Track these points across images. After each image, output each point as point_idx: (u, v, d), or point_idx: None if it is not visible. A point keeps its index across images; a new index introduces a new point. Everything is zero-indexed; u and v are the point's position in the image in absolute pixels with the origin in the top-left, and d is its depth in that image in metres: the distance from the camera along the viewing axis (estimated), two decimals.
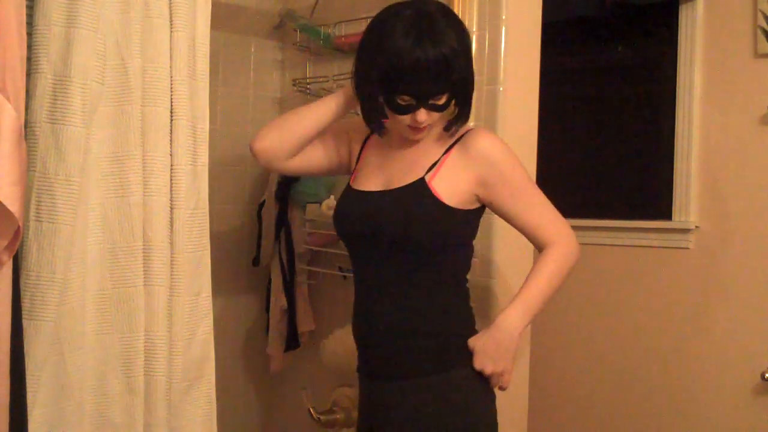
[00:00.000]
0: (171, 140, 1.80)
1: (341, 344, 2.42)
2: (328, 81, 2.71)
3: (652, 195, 2.93)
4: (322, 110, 1.87)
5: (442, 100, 1.67)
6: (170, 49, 1.79)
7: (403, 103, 1.65)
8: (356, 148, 1.93)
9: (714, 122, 2.73)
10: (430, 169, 1.74)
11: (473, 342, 1.75)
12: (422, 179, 1.73)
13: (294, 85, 2.89)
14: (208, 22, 1.87)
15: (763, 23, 2.57)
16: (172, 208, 1.81)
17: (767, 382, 2.55)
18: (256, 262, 2.92)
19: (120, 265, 1.74)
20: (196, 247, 1.85)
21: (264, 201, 2.89)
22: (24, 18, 1.52)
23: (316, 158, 1.94)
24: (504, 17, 2.24)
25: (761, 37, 2.58)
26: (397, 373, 1.75)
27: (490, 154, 1.74)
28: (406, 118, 1.68)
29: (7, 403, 1.48)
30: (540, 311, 1.77)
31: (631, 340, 2.90)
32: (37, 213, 1.61)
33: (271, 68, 3.06)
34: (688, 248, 2.77)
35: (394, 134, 1.81)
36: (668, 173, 2.83)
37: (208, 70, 1.87)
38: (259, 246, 2.90)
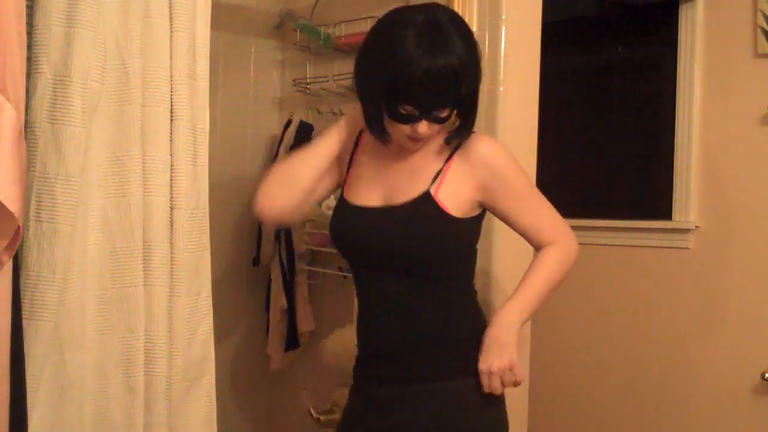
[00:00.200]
0: (171, 140, 1.80)
1: (341, 344, 2.42)
2: (328, 81, 2.71)
3: (652, 195, 2.93)
4: (324, 151, 1.77)
5: (445, 113, 1.62)
6: (170, 49, 1.79)
7: (404, 113, 1.59)
8: (346, 154, 1.82)
9: (714, 122, 2.72)
10: (434, 179, 1.68)
11: None
12: (428, 193, 1.67)
13: (294, 85, 2.89)
14: (208, 22, 1.87)
15: (763, 23, 2.57)
16: (172, 208, 1.81)
17: (767, 382, 2.55)
18: (256, 262, 2.92)
19: (120, 265, 1.74)
20: (196, 247, 1.84)
21: None
22: (24, 18, 1.52)
23: (323, 191, 1.85)
24: (504, 17, 2.24)
25: (761, 37, 2.58)
26: (414, 378, 1.72)
27: (492, 161, 1.70)
28: (406, 128, 1.62)
29: (7, 403, 1.48)
30: (537, 310, 1.76)
31: (630, 340, 2.90)
32: (37, 213, 1.61)
33: (271, 68, 3.06)
34: (688, 248, 2.77)
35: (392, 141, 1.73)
36: (668, 173, 2.83)
37: (208, 70, 1.87)
38: (259, 246, 2.90)
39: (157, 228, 1.77)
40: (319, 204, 2.66)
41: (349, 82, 2.63)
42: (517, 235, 2.09)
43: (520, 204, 1.74)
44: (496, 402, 1.73)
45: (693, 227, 2.74)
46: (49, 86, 1.62)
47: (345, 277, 2.68)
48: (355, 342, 1.86)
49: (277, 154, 2.87)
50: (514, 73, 2.27)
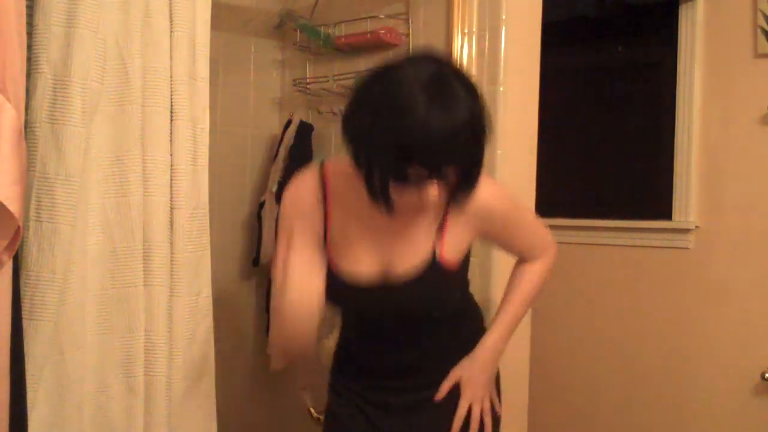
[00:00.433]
0: (171, 140, 1.80)
1: None
2: (328, 81, 2.71)
3: (652, 195, 2.93)
4: (308, 259, 1.54)
5: (456, 172, 1.43)
6: (170, 49, 1.79)
7: (414, 175, 1.38)
8: (318, 216, 1.58)
9: (714, 122, 2.72)
10: (435, 237, 1.56)
11: (459, 372, 1.67)
12: (434, 258, 1.56)
13: (294, 85, 2.89)
14: (208, 22, 1.87)
15: (763, 23, 2.57)
16: (172, 208, 1.81)
17: (767, 382, 2.55)
18: (256, 262, 2.92)
19: (120, 265, 1.74)
20: (196, 247, 1.85)
21: (264, 201, 2.89)
22: (24, 18, 1.52)
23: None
24: (504, 17, 2.23)
25: (761, 37, 2.58)
26: (425, 386, 1.69)
27: (493, 208, 1.61)
28: (412, 195, 1.42)
29: (7, 403, 1.48)
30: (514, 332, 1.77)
31: (630, 340, 2.90)
32: (37, 213, 1.62)
33: (271, 68, 3.06)
34: (688, 248, 2.77)
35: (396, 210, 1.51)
36: (668, 173, 2.83)
37: (208, 70, 1.87)
38: (259, 246, 2.89)
39: (157, 228, 1.77)
40: None
41: (349, 82, 2.63)
42: None
43: (515, 231, 1.72)
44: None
45: (693, 227, 2.74)
46: (49, 86, 1.62)
47: None
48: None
49: (277, 154, 2.87)
50: (514, 73, 2.27)
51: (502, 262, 2.26)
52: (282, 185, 2.79)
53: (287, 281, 1.51)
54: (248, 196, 3.02)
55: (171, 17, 1.80)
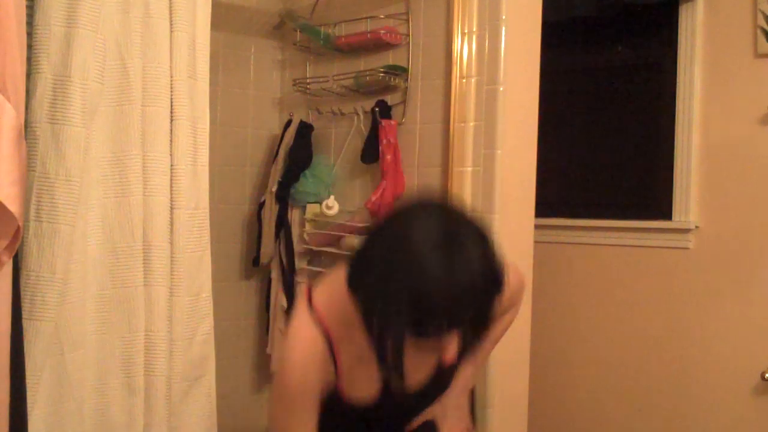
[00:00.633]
0: (171, 140, 1.80)
1: None
2: (327, 81, 2.71)
3: (652, 195, 2.93)
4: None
5: (470, 322, 1.35)
6: (170, 49, 1.79)
7: (431, 330, 1.30)
8: (329, 370, 1.46)
9: (714, 122, 2.72)
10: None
11: (433, 410, 1.64)
12: (438, 367, 1.52)
13: (294, 85, 2.89)
14: (208, 22, 1.87)
15: (763, 23, 2.57)
16: (172, 208, 1.81)
17: (767, 382, 2.55)
18: (256, 262, 2.92)
19: (120, 265, 1.74)
20: (196, 247, 1.85)
21: (264, 201, 2.89)
22: (24, 18, 1.52)
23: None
24: (504, 17, 2.23)
25: (761, 37, 2.58)
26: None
27: None
28: (429, 347, 1.34)
29: (7, 403, 1.48)
30: None
31: (630, 340, 2.90)
32: (37, 213, 1.62)
33: (271, 68, 3.06)
34: (688, 248, 2.77)
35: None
36: (668, 173, 2.83)
37: (208, 70, 1.87)
38: (259, 246, 2.89)
39: (158, 228, 1.77)
40: (320, 204, 2.67)
41: (349, 81, 2.64)
42: (517, 236, 2.11)
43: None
44: None
45: (693, 227, 2.74)
46: (49, 86, 1.62)
47: None
48: None
49: (277, 154, 2.87)
50: (514, 73, 2.27)
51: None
52: (282, 185, 2.79)
53: None
54: (248, 196, 3.03)
55: (171, 17, 1.80)
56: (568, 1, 2.89)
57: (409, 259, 1.26)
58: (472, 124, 2.29)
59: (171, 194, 1.81)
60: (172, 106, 1.80)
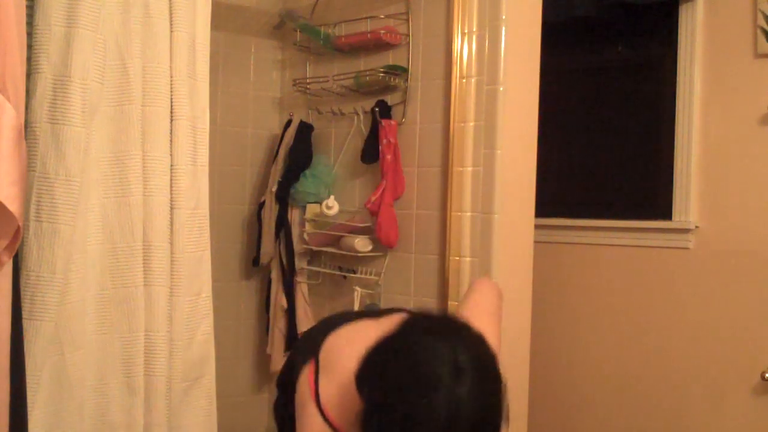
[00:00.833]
0: (171, 140, 1.80)
1: None
2: (327, 81, 2.71)
3: (652, 195, 2.93)
4: None
5: None
6: (170, 49, 1.79)
7: None
8: None
9: (714, 122, 2.72)
10: None
11: None
12: None
13: (294, 85, 2.89)
14: (208, 22, 1.87)
15: (763, 23, 2.57)
16: (172, 208, 1.81)
17: (767, 382, 2.55)
18: (256, 262, 2.92)
19: (120, 265, 1.74)
20: (196, 247, 1.85)
21: (264, 201, 2.89)
22: (24, 18, 1.52)
23: None
24: (504, 17, 2.24)
25: (761, 37, 2.58)
26: None
27: None
28: None
29: (7, 403, 1.48)
30: None
31: (630, 340, 2.90)
32: (37, 213, 1.62)
33: (271, 68, 3.06)
34: (688, 248, 2.77)
35: None
36: (668, 173, 2.83)
37: (208, 70, 1.87)
38: (259, 246, 2.89)
39: (158, 228, 1.77)
40: (320, 204, 2.67)
41: (349, 81, 2.64)
42: (516, 236, 2.11)
43: None
44: None
45: (693, 227, 2.74)
46: (49, 86, 1.62)
47: (345, 277, 2.68)
48: None
49: (277, 154, 2.87)
50: (514, 73, 2.27)
51: (502, 260, 2.26)
52: (282, 185, 2.80)
53: None
54: (248, 196, 3.03)
55: (171, 17, 1.80)
56: (568, 1, 2.89)
57: (413, 391, 1.26)
58: (472, 124, 2.29)
59: (171, 194, 1.80)
60: (172, 106, 1.80)
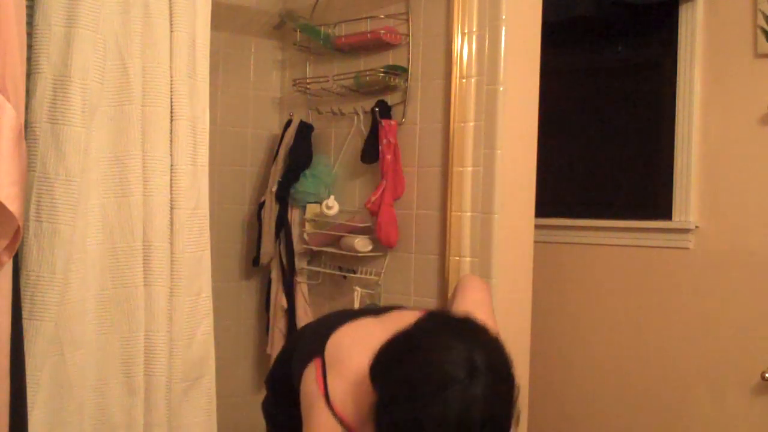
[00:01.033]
0: (171, 140, 1.80)
1: None
2: (327, 81, 2.71)
3: (652, 195, 2.93)
4: None
5: None
6: (170, 49, 1.79)
7: None
8: None
9: (714, 122, 2.72)
10: None
11: None
12: None
13: (294, 85, 2.89)
14: (208, 22, 1.87)
15: (763, 23, 2.57)
16: (172, 208, 1.81)
17: (767, 382, 2.55)
18: (256, 262, 2.92)
19: (120, 265, 1.74)
20: (196, 247, 1.85)
21: (264, 201, 2.89)
22: (24, 18, 1.52)
23: None
24: (504, 17, 2.24)
25: (761, 37, 2.58)
26: None
27: None
28: None
29: (7, 403, 1.48)
30: None
31: (630, 340, 2.90)
32: (37, 213, 1.62)
33: (271, 68, 3.06)
34: (688, 248, 2.76)
35: None
36: (668, 173, 2.82)
37: (208, 70, 1.87)
38: (259, 246, 2.90)
39: (158, 228, 1.77)
40: (320, 204, 2.67)
41: (349, 81, 2.64)
42: (516, 236, 2.10)
43: None
44: None
45: (693, 227, 2.74)
46: (49, 86, 1.62)
47: (345, 277, 2.68)
48: None
49: (277, 154, 2.87)
50: (514, 73, 2.27)
51: (502, 260, 2.26)
52: (282, 185, 2.80)
53: None
54: (248, 196, 3.03)
55: (171, 17, 1.80)
56: (568, 1, 2.89)
57: (428, 387, 1.28)
58: (472, 124, 2.29)
59: (171, 194, 1.80)
60: (172, 106, 1.80)
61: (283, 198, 2.81)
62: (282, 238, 2.83)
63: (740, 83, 2.66)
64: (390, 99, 2.54)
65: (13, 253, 1.48)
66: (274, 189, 2.82)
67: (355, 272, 2.64)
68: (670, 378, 2.80)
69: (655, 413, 2.84)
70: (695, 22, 2.75)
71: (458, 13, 2.29)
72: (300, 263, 2.82)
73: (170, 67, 1.79)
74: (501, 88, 2.24)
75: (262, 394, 1.89)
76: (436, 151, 2.38)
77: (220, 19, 2.35)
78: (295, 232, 2.82)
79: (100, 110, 1.70)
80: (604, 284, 2.97)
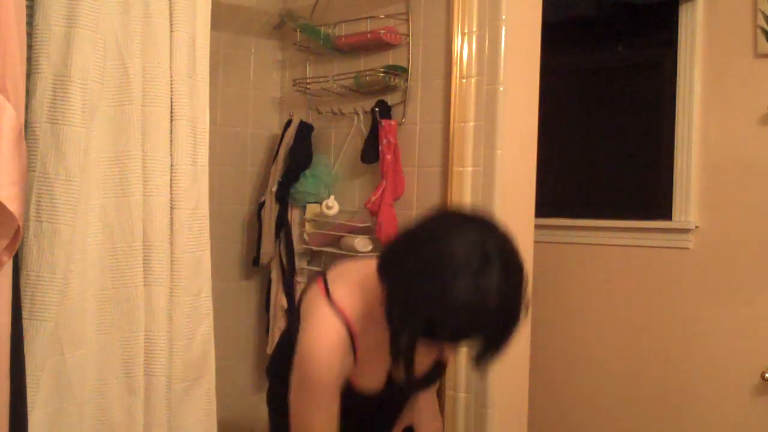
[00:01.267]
0: (171, 140, 1.80)
1: None
2: (327, 81, 2.71)
3: (652, 195, 2.93)
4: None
5: (484, 342, 1.41)
6: (170, 49, 1.79)
7: (443, 337, 1.39)
8: (349, 363, 1.49)
9: (714, 122, 2.72)
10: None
11: (407, 420, 1.77)
12: (438, 360, 1.64)
13: (294, 85, 2.89)
14: (208, 22, 1.87)
15: (763, 23, 2.57)
16: (172, 208, 1.81)
17: (767, 382, 2.55)
18: (256, 262, 2.92)
19: (120, 265, 1.74)
20: (196, 247, 1.84)
21: (264, 201, 2.89)
22: (24, 18, 1.52)
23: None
24: (504, 17, 2.24)
25: (761, 37, 2.58)
26: None
27: None
28: (436, 347, 1.50)
29: (7, 403, 1.48)
30: None
31: (630, 340, 2.90)
32: (37, 213, 1.61)
33: (271, 68, 3.06)
34: (688, 248, 2.77)
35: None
36: (668, 173, 2.83)
37: (208, 70, 1.87)
38: (259, 246, 2.90)
39: (158, 228, 1.77)
40: (320, 204, 2.67)
41: (349, 81, 2.64)
42: (516, 237, 2.07)
43: None
44: None
45: (693, 227, 2.74)
46: (49, 86, 1.62)
47: None
48: None
49: (277, 154, 2.87)
50: (514, 73, 2.27)
51: None
52: (282, 185, 2.80)
53: None
54: (248, 196, 3.03)
55: (171, 17, 1.79)
56: (568, 1, 2.89)
57: (441, 273, 1.29)
58: (472, 124, 2.29)
59: (171, 194, 1.80)
60: (172, 106, 1.80)
61: (283, 198, 2.81)
62: (282, 238, 2.83)
63: (740, 83, 2.66)
64: (390, 99, 2.54)
65: (13, 253, 1.48)
66: (274, 189, 2.82)
67: None
68: (670, 378, 2.80)
69: (655, 413, 2.84)
70: (695, 22, 2.75)
71: (458, 13, 2.29)
72: (300, 263, 2.82)
73: (170, 67, 1.79)
74: (501, 88, 2.24)
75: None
76: (436, 151, 2.38)
77: (220, 19, 2.35)
78: (295, 232, 2.82)
79: (100, 110, 1.70)
80: (604, 284, 2.97)
